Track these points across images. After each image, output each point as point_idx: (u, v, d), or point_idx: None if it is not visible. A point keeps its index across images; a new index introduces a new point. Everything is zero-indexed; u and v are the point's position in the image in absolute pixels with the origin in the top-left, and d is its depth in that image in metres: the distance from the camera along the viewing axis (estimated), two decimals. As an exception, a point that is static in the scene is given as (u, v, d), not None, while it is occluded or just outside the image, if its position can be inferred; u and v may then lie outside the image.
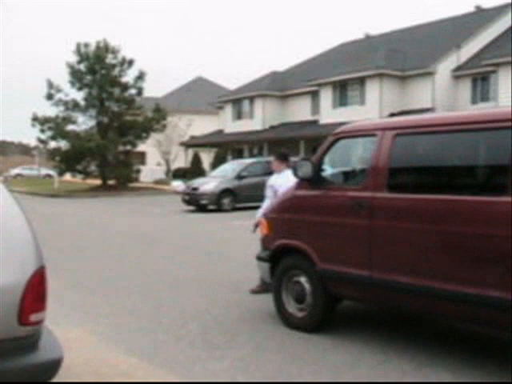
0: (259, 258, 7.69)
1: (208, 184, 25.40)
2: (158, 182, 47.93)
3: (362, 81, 36.43)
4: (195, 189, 25.56)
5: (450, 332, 6.97)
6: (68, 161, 41.01)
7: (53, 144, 42.18)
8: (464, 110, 7.32)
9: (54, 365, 3.94)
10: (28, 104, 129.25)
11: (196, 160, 47.84)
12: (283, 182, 8.63)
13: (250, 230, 9.44)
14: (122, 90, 41.58)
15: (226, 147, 47.81)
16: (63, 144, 41.25)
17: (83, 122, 42.39)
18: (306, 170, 6.73)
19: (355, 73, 36.49)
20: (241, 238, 16.07)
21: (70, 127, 41.58)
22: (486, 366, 5.66)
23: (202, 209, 25.03)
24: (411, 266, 5.79)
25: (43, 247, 4.17)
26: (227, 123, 48.78)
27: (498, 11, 38.20)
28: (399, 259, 5.91)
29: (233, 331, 7.05)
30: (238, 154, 45.87)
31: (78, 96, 42.15)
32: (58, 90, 40.67)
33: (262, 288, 8.85)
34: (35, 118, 39.84)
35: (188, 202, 25.64)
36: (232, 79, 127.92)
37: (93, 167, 42.84)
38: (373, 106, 35.52)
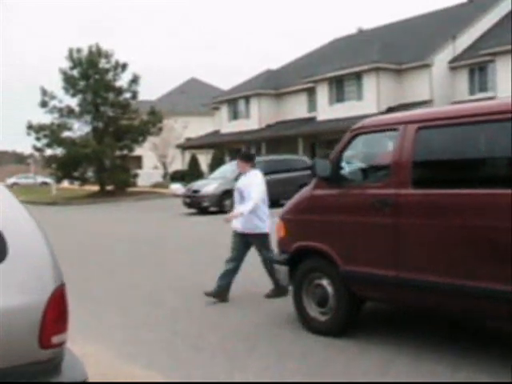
0: (277, 262, 7.42)
1: (209, 186, 25.09)
2: (155, 185, 47.60)
3: (358, 76, 36.15)
4: (196, 191, 25.27)
5: (482, 332, 6.71)
6: (65, 168, 40.60)
7: (49, 151, 41.83)
8: (476, 102, 7.05)
9: (79, 388, 3.68)
10: (21, 112, 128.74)
11: (193, 162, 47.50)
12: (248, 183, 8.55)
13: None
14: (116, 94, 41.19)
15: (223, 148, 47.49)
16: (59, 151, 40.80)
17: (79, 128, 41.98)
18: (325, 168, 6.46)
19: (351, 68, 36.20)
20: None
21: (66, 134, 41.11)
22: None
23: (203, 211, 24.74)
24: (442, 264, 5.53)
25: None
26: (223, 124, 48.47)
27: (492, 1, 37.94)
28: (428, 258, 5.65)
29: (253, 339, 6.78)
30: (236, 154, 45.48)
31: (73, 102, 41.79)
32: (52, 97, 40.24)
33: (276, 292, 8.61)
34: (30, 126, 39.42)
35: (189, 205, 25.34)
36: (225, 79, 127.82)
37: (90, 173, 42.46)
38: (370, 101, 35.24)
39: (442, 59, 34.74)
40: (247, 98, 45.68)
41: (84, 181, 42.68)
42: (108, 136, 39.76)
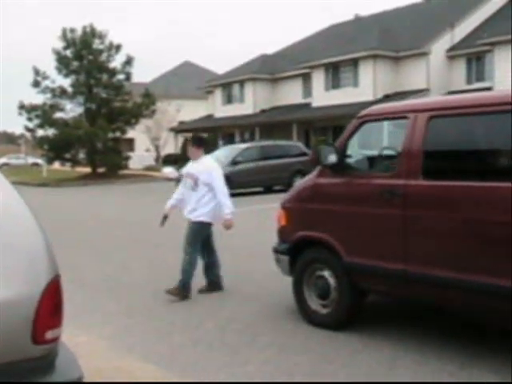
0: (277, 251, 7.18)
1: (202, 170, 24.77)
2: (147, 168, 47.27)
3: (355, 62, 35.85)
4: (189, 175, 24.94)
5: (487, 328, 6.51)
6: (56, 149, 40.15)
7: (40, 132, 41.33)
8: (484, 92, 6.79)
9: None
10: (13, 92, 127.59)
11: (186, 146, 47.13)
12: (204, 169, 8.07)
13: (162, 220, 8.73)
14: (109, 75, 40.78)
15: (216, 132, 47.18)
16: (51, 132, 40.36)
17: (71, 110, 41.59)
18: (330, 156, 6.22)
19: (348, 54, 35.90)
20: (240, 226, 15.54)
21: (58, 115, 40.77)
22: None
23: (196, 195, 24.42)
24: (452, 259, 5.31)
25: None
26: (217, 108, 48.10)
27: (491, -11, 37.64)
28: (438, 252, 5.43)
29: (252, 331, 6.57)
30: (230, 139, 45.21)
31: (65, 83, 41.33)
32: (45, 77, 39.77)
33: (210, 287, 8.39)
34: (22, 106, 38.98)
35: (182, 189, 25.01)
36: (220, 63, 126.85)
37: (82, 155, 42.07)
38: (367, 88, 34.98)
39: (439, 48, 34.50)
40: (242, 83, 45.31)
41: (75, 162, 42.31)
42: (101, 118, 39.31)
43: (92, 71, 39.84)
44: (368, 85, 35.03)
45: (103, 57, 40.52)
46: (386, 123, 6.34)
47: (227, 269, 9.75)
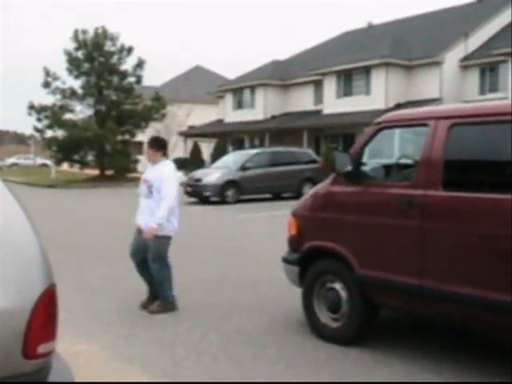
0: (286, 261, 6.90)
1: (211, 175, 24.58)
2: (156, 172, 46.96)
3: (367, 70, 35.59)
4: (198, 180, 24.75)
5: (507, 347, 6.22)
6: (65, 150, 40.00)
7: (49, 133, 41.20)
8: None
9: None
10: (24, 92, 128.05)
11: (195, 150, 46.96)
12: (159, 174, 7.35)
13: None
14: (120, 78, 40.66)
15: (226, 137, 46.96)
16: (60, 133, 40.24)
17: (81, 111, 41.46)
18: (344, 163, 5.95)
19: (360, 62, 35.65)
20: (248, 232, 15.34)
21: (68, 116, 40.62)
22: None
23: (204, 201, 24.23)
24: (472, 274, 5.03)
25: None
26: (227, 113, 47.91)
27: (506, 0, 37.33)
28: (457, 268, 5.14)
29: (258, 344, 6.28)
30: (239, 144, 45.00)
31: (76, 84, 41.29)
32: (55, 78, 39.70)
33: (164, 308, 7.52)
34: (32, 107, 38.89)
35: (190, 194, 24.82)
36: (230, 68, 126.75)
37: (90, 157, 41.90)
38: (378, 96, 34.71)
39: (453, 57, 34.19)
40: (253, 88, 45.11)
41: (84, 164, 42.16)
42: (110, 120, 39.18)
43: (103, 73, 39.74)
44: (380, 93, 34.75)
45: (114, 59, 40.39)
46: (400, 130, 6.04)
47: (232, 277, 9.52)
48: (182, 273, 9.89)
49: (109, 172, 40.67)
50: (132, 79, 41.07)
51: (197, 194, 24.53)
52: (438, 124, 5.39)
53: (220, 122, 49.59)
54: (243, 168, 24.73)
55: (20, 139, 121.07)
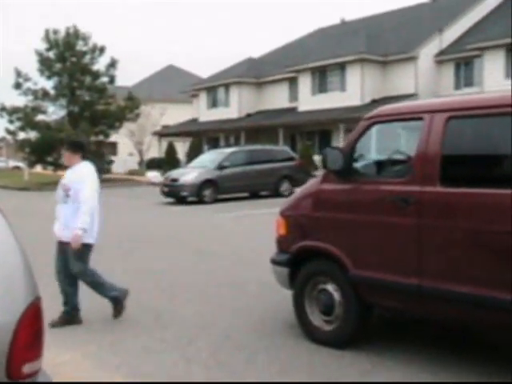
0: (275, 262, 6.67)
1: (188, 175, 24.27)
2: (131, 172, 46.58)
3: (342, 66, 35.51)
4: (174, 180, 24.42)
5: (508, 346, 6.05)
6: (38, 152, 39.28)
7: (22, 135, 40.51)
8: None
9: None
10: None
11: (170, 150, 46.53)
12: (77, 177, 6.86)
13: None
14: (93, 78, 39.99)
15: (201, 136, 46.63)
16: (33, 135, 39.56)
17: (53, 112, 40.74)
18: (336, 160, 5.73)
19: (335, 58, 35.55)
20: (228, 232, 15.10)
21: (40, 117, 39.91)
22: None
23: (181, 201, 23.91)
24: (474, 273, 4.84)
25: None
26: (202, 112, 47.59)
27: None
28: (458, 266, 4.95)
29: (249, 348, 6.04)
30: (214, 143, 44.70)
31: (48, 85, 40.58)
32: (27, 79, 38.96)
33: (64, 320, 7.00)
34: (3, 108, 38.11)
35: (167, 194, 24.49)
36: (204, 68, 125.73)
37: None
38: (354, 93, 34.65)
39: (427, 52, 34.24)
40: (227, 86, 44.85)
41: (58, 166, 41.47)
42: (84, 121, 38.55)
43: (75, 73, 39.06)
44: (355, 89, 34.68)
45: (86, 59, 39.72)
46: (398, 124, 5.82)
47: (218, 279, 9.26)
48: (165, 276, 9.64)
49: (83, 173, 40.00)
50: (105, 79, 40.46)
51: (173, 194, 24.22)
52: (433, 117, 5.19)
53: (194, 121, 49.25)
54: (220, 167, 24.47)
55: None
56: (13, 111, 38.25)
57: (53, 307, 6.78)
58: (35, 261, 3.65)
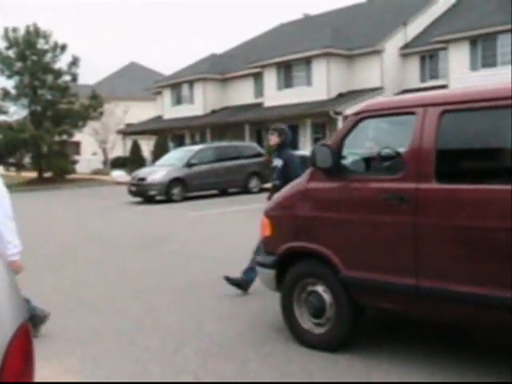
0: (261, 264, 6.44)
1: (155, 174, 23.93)
2: (95, 172, 45.93)
3: (307, 61, 35.33)
4: (142, 179, 24.05)
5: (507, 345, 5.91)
6: (0, 153, 38.66)
7: (-18, 136, 39.68)
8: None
9: None
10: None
11: (135, 148, 45.95)
12: None
13: None
14: (55, 76, 39.29)
15: (165, 134, 46.13)
16: (-6, 136, 38.84)
17: (15, 112, 40.07)
18: (324, 157, 5.51)
19: (300, 53, 35.34)
20: (201, 231, 14.82)
21: (1, 118, 39.29)
22: None
23: (149, 200, 23.56)
24: (472, 272, 4.67)
25: None
26: (166, 109, 47.08)
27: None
28: (457, 265, 4.78)
29: (239, 356, 5.80)
30: (180, 141, 44.26)
31: (8, 84, 39.89)
32: (-14, 79, 38.28)
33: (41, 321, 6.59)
34: (-38, 109, 37.39)
35: (134, 194, 24.11)
36: (166, 65, 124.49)
37: (27, 159, 40.58)
38: (320, 87, 34.52)
39: (393, 46, 34.26)
40: (191, 83, 44.44)
41: (21, 167, 40.84)
42: (46, 120, 37.90)
43: (36, 72, 38.35)
44: (321, 83, 34.57)
45: (48, 57, 39.00)
46: (389, 119, 5.61)
47: (198, 283, 8.99)
48: (141, 280, 9.34)
49: (47, 174, 39.41)
50: (67, 78, 39.81)
51: (141, 193, 23.87)
52: (426, 112, 5.01)
53: (159, 118, 48.71)
54: (188, 165, 24.18)
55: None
56: (-27, 112, 37.46)
57: None
58: None
